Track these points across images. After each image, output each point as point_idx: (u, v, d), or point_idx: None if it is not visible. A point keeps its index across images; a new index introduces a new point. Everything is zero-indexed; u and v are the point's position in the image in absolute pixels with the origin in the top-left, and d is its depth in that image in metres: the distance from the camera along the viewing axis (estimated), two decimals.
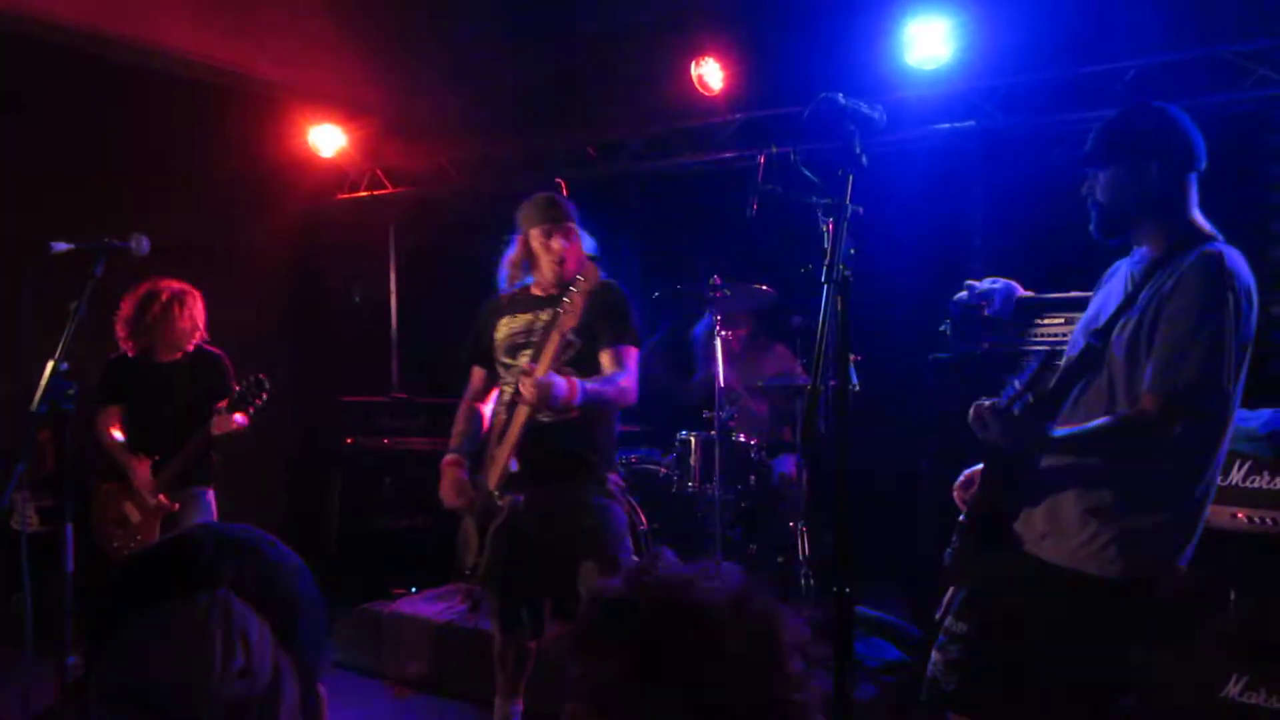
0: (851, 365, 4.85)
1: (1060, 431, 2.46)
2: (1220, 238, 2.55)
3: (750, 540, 5.44)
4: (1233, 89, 4.76)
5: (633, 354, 3.67)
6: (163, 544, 1.17)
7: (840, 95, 2.30)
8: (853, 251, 2.25)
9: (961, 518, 2.75)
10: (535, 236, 3.68)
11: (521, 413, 3.45)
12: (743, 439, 5.16)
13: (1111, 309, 2.59)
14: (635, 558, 3.71)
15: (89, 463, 4.87)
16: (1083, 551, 2.51)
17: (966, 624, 2.70)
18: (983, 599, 2.71)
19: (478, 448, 3.78)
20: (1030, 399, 2.28)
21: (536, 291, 3.75)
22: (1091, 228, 2.67)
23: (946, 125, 5.34)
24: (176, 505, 4.59)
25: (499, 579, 3.72)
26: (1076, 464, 2.56)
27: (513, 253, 3.76)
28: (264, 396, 4.48)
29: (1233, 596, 3.55)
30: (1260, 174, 5.17)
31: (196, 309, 4.73)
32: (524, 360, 3.55)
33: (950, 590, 2.81)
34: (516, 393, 3.42)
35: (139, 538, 4.61)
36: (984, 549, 2.69)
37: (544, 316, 3.63)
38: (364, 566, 6.22)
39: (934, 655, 2.78)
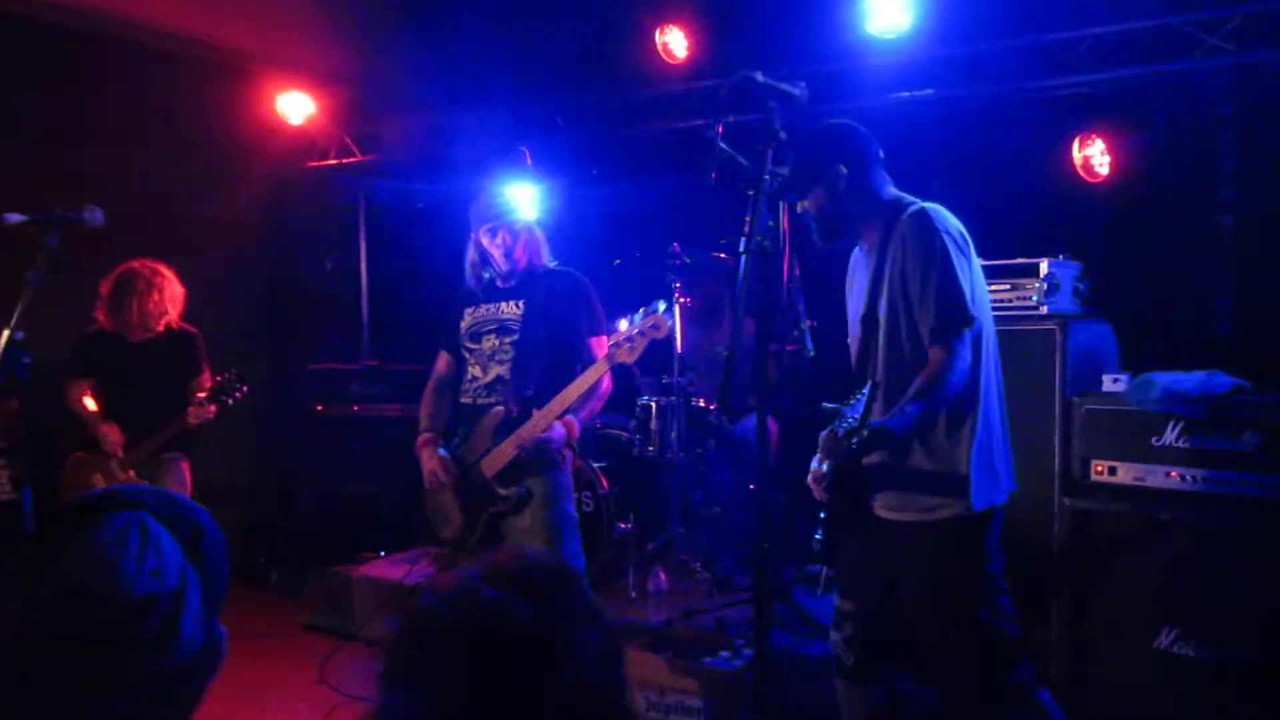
0: (807, 330, 4.95)
1: (890, 423, 2.70)
2: (917, 201, 2.93)
3: (713, 502, 5.55)
4: (1186, 58, 4.83)
5: (604, 343, 3.87)
6: (94, 492, 1.37)
7: (759, 73, 2.39)
8: (770, 223, 2.34)
9: (822, 513, 2.93)
10: (483, 235, 3.92)
11: (546, 418, 3.72)
12: (702, 403, 5.25)
13: (864, 294, 2.96)
14: (571, 513, 3.93)
15: (58, 432, 4.95)
16: (923, 503, 2.84)
17: (851, 601, 3.02)
18: (858, 576, 3.02)
19: (448, 424, 4.05)
20: (866, 433, 2.56)
21: (498, 283, 3.98)
22: (815, 239, 3.06)
23: (905, 94, 5.38)
24: (145, 483, 4.68)
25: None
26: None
27: (470, 253, 4.00)
28: (242, 390, 4.60)
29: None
30: (1213, 142, 5.25)
31: (169, 290, 4.81)
32: (487, 343, 3.91)
33: (824, 571, 3.10)
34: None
35: None
36: (848, 533, 2.92)
37: (506, 307, 3.92)
38: (333, 531, 6.33)
39: (832, 635, 3.07)
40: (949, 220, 2.88)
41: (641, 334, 3.56)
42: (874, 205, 2.97)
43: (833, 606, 3.09)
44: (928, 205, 2.90)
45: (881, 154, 3.03)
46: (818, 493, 2.98)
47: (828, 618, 4.57)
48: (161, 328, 4.81)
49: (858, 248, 3.13)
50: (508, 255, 3.90)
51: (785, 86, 2.39)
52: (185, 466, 4.88)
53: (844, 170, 2.93)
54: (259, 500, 7.30)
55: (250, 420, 7.32)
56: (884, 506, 2.92)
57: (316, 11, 6.32)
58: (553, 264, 4.03)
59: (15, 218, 3.03)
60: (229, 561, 1.41)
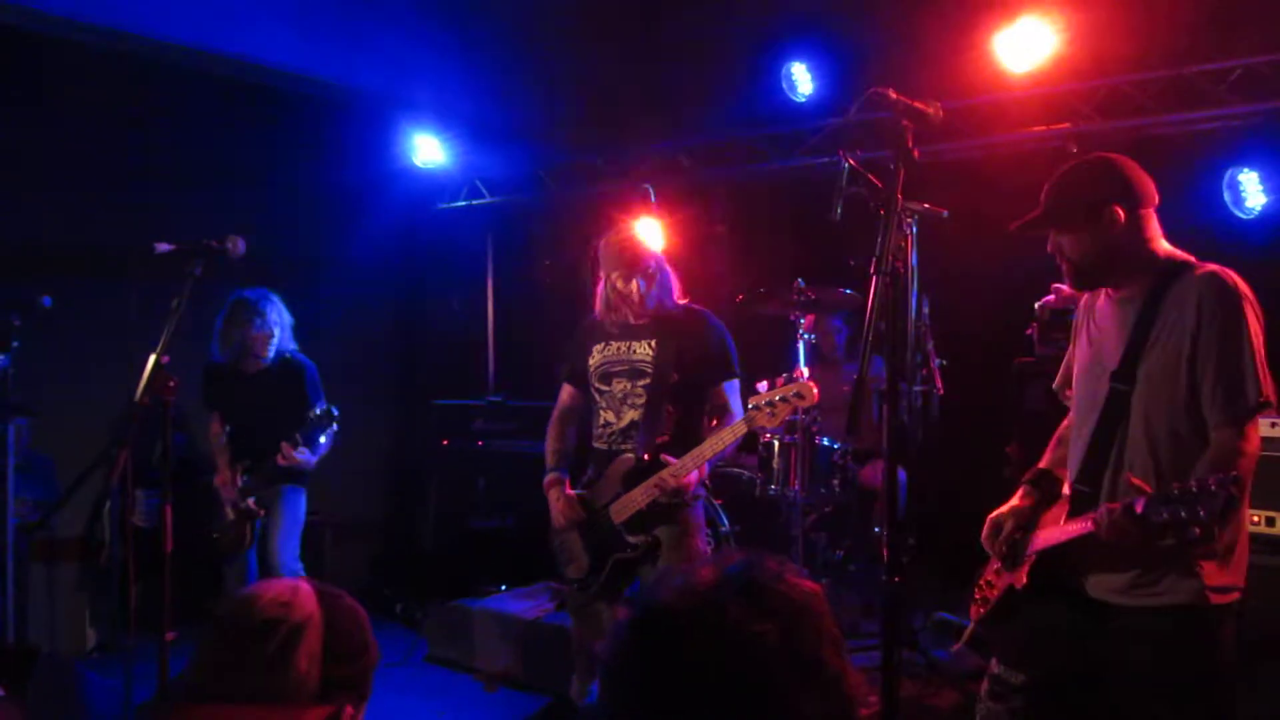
0: (936, 369, 4.82)
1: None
2: (1194, 260, 2.62)
3: (837, 545, 5.42)
4: None
5: (736, 387, 3.81)
6: None
7: (891, 90, 2.32)
8: (902, 244, 2.26)
9: (1021, 577, 2.73)
10: (613, 280, 3.84)
11: (691, 462, 3.63)
12: (826, 442, 5.14)
13: (1116, 349, 2.65)
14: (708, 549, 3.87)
15: (205, 459, 5.17)
16: (1164, 588, 2.52)
17: (1025, 675, 2.72)
18: (1042, 651, 2.74)
19: (573, 460, 4.03)
20: (1197, 533, 2.22)
21: (630, 319, 3.89)
22: (1068, 283, 2.77)
23: (1041, 128, 5.24)
24: (263, 511, 4.82)
25: (611, 598, 3.88)
26: None
27: (601, 291, 3.93)
28: (333, 427, 4.61)
29: None
30: None
31: (273, 314, 4.89)
32: (619, 387, 3.84)
33: (970, 628, 2.89)
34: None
35: (232, 533, 4.86)
36: (1043, 601, 2.72)
37: (638, 348, 3.84)
38: (456, 564, 6.40)
39: (988, 704, 2.78)
40: (1248, 288, 2.54)
41: (784, 400, 3.45)
42: (1144, 256, 2.63)
43: (990, 674, 2.82)
44: (1222, 268, 2.56)
45: (1157, 202, 2.67)
46: (996, 553, 2.83)
47: (957, 668, 4.43)
48: (271, 354, 4.91)
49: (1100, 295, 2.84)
50: (640, 300, 3.81)
51: (919, 104, 2.30)
52: (301, 497, 4.97)
53: (1120, 214, 2.60)
54: (386, 532, 7.46)
55: (379, 454, 7.53)
56: (1105, 588, 2.63)
57: (448, 56, 6.51)
58: (684, 302, 3.95)
59: (165, 247, 3.17)
60: (363, 633, 1.62)
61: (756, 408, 3.49)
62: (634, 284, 3.79)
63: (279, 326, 4.91)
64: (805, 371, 3.50)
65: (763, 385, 3.54)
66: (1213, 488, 2.20)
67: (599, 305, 3.95)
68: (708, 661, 1.09)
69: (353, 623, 1.58)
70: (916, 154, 2.26)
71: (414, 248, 7.83)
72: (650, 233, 6.02)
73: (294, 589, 1.55)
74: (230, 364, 4.92)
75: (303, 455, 4.63)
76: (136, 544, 5.21)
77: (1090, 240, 2.64)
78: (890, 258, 2.19)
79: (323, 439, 4.66)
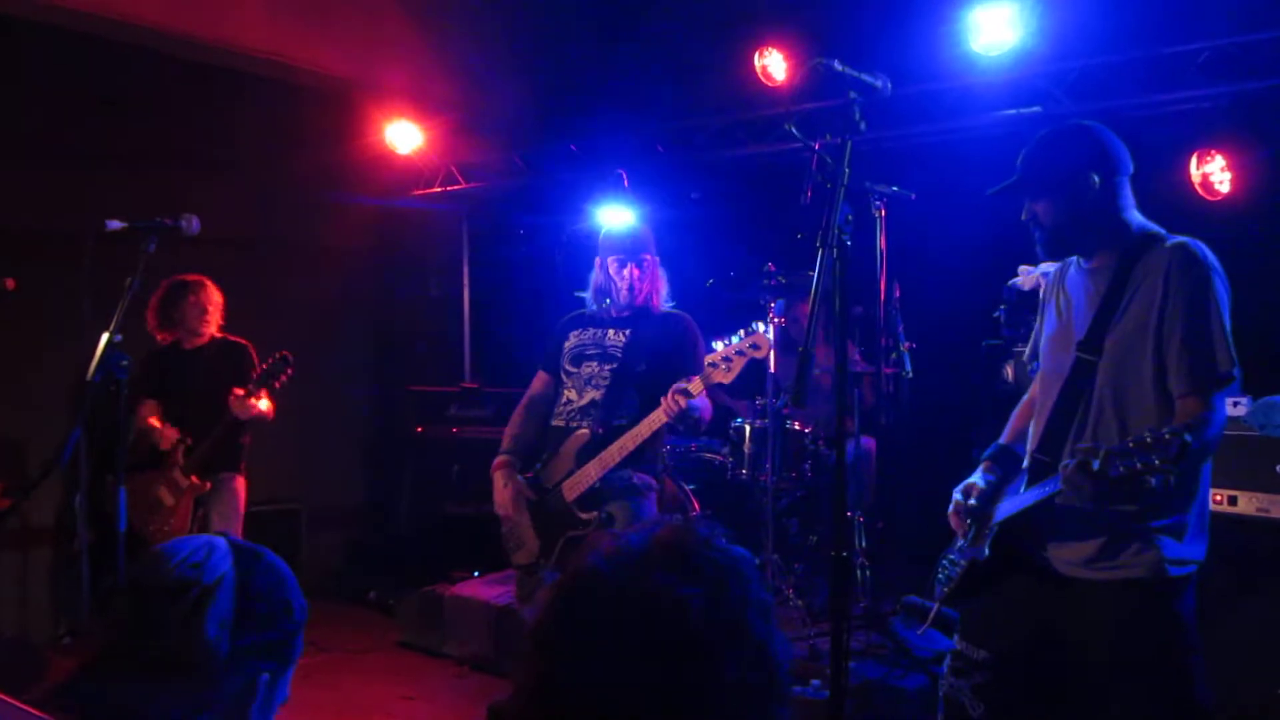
0: (906, 353, 4.83)
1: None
2: (1162, 230, 2.63)
3: (809, 530, 5.42)
4: None
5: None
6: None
7: (837, 61, 2.30)
8: (850, 217, 2.24)
9: (983, 550, 2.72)
10: (611, 264, 3.95)
11: (645, 427, 3.62)
12: (797, 427, 5.14)
13: (1084, 319, 2.65)
14: None
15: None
16: (1127, 561, 2.53)
17: (988, 650, 2.73)
18: (1003, 627, 2.75)
19: (531, 448, 4.01)
20: (1166, 481, 2.22)
21: (612, 311, 3.99)
22: (1040, 251, 2.75)
23: (1012, 111, 5.24)
24: (209, 485, 4.72)
25: None
26: None
27: (595, 276, 4.03)
28: (288, 373, 4.56)
29: None
30: None
31: (208, 297, 4.89)
32: (586, 369, 3.88)
33: (935, 608, 2.89)
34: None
35: (172, 521, 4.74)
36: (1005, 576, 2.73)
37: (612, 334, 3.92)
38: (430, 550, 6.39)
39: (950, 680, 2.80)
40: (1215, 258, 2.55)
41: (740, 353, 3.46)
42: (1116, 225, 2.64)
43: (952, 650, 2.83)
44: (1192, 240, 2.56)
45: (1132, 170, 2.67)
46: (960, 530, 2.83)
47: (926, 651, 4.43)
48: (207, 334, 4.91)
49: (1056, 264, 2.87)
50: (631, 289, 3.92)
51: (866, 77, 2.29)
52: (239, 484, 4.89)
53: (1095, 181, 2.61)
54: (359, 519, 7.44)
55: (356, 440, 7.50)
56: (1066, 560, 2.64)
57: (422, 42, 6.47)
58: (669, 306, 4.03)
59: (116, 224, 3.15)
60: (282, 594, 1.51)
61: (713, 365, 3.50)
62: (628, 269, 3.91)
63: (214, 306, 4.90)
64: (761, 326, 3.48)
65: (717, 345, 3.53)
66: (1166, 436, 2.19)
67: (593, 293, 4.04)
68: (632, 625, 1.09)
69: (270, 584, 1.49)
70: (863, 126, 2.24)
71: (389, 234, 7.78)
72: (624, 218, 6.02)
73: (209, 548, 1.46)
74: (170, 345, 4.90)
75: (260, 403, 4.61)
76: (103, 529, 5.16)
77: (1064, 207, 2.65)
78: (837, 231, 2.17)
79: (277, 385, 4.61)
